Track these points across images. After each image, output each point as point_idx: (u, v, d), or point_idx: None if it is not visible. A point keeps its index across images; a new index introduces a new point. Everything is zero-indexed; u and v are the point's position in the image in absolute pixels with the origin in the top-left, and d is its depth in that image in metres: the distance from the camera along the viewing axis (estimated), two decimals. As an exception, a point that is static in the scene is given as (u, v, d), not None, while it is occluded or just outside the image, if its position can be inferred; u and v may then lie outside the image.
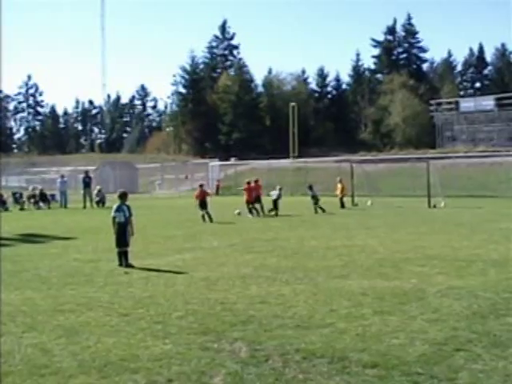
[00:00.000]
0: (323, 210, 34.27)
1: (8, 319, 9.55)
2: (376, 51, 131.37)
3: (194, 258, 16.34)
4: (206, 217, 29.03)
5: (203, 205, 29.73)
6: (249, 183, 33.94)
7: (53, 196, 45.66)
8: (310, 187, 36.17)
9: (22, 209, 39.43)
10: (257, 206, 33.23)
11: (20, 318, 9.60)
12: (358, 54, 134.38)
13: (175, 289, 11.89)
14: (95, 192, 45.00)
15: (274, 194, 34.09)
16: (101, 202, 43.79)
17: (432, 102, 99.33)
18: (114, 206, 15.88)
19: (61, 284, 12.54)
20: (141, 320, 9.35)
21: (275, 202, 33.52)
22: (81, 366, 7.18)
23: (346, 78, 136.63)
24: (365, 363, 7.15)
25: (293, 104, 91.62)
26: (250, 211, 32.57)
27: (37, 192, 43.52)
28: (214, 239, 20.80)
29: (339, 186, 39.55)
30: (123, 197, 15.89)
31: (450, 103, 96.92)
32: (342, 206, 38.59)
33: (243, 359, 7.38)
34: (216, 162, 75.73)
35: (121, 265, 15.05)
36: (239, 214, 32.68)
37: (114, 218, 15.55)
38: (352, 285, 11.94)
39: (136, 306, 10.31)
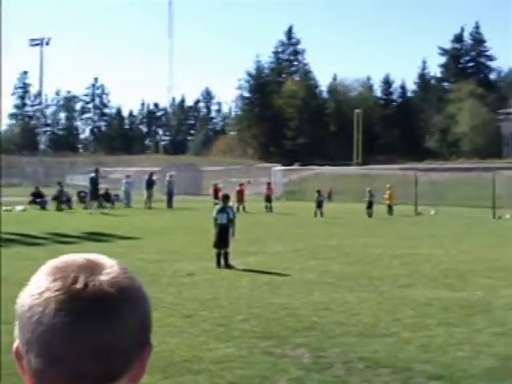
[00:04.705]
0: (322, 215, 36.27)
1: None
2: (443, 59, 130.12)
3: (257, 261, 16.34)
4: (269, 209, 40.39)
5: (268, 199, 41.69)
6: (241, 185, 42.25)
7: (117, 196, 45.95)
8: (319, 192, 38.36)
9: (86, 208, 39.81)
10: (267, 204, 41.26)
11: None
12: (424, 62, 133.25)
13: (239, 292, 11.91)
14: (167, 179, 45.42)
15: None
16: (170, 193, 44.00)
17: (500, 111, 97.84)
18: (216, 208, 16.27)
19: (125, 283, 12.63)
20: (204, 322, 9.38)
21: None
22: (144, 366, 7.21)
23: (411, 86, 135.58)
24: (429, 375, 7.06)
25: (358, 111, 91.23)
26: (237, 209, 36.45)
27: (102, 192, 43.93)
28: (278, 244, 20.78)
29: (388, 192, 39.61)
30: (226, 199, 16.46)
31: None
32: (390, 213, 38.88)
33: (306, 365, 7.35)
34: (279, 167, 75.59)
35: (218, 266, 15.19)
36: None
37: (216, 219, 15.78)
38: (417, 294, 11.81)
39: (199, 308, 10.35)
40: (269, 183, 44.57)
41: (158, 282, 12.89)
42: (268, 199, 41.51)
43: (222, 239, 15.50)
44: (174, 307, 10.42)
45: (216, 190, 43.27)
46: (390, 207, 39.01)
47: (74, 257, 1.26)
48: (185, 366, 7.25)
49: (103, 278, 1.19)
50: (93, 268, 1.21)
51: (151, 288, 12.07)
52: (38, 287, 1.18)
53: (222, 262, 15.26)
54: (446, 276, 14.20)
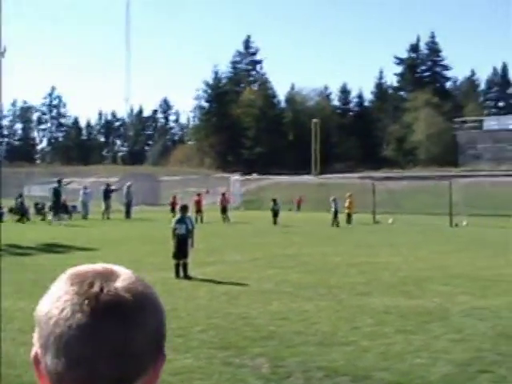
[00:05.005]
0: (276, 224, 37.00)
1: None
2: (399, 69, 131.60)
3: (215, 271, 16.28)
4: (226, 220, 40.05)
5: (224, 210, 41.14)
6: (199, 195, 42.67)
7: (74, 207, 45.60)
8: (274, 201, 38.77)
9: (43, 219, 39.46)
10: (224, 215, 40.99)
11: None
12: (381, 72, 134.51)
13: (197, 302, 11.85)
14: (124, 189, 45.16)
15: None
16: (128, 203, 43.86)
17: (456, 120, 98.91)
18: (175, 218, 16.40)
19: (82, 295, 12.50)
20: (162, 333, 9.28)
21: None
22: (102, 378, 7.13)
23: (368, 96, 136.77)
24: (387, 382, 7.08)
25: (315, 120, 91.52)
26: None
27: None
28: (236, 253, 20.73)
29: (348, 200, 39.66)
30: (184, 210, 16.37)
31: (473, 122, 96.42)
32: (349, 221, 38.79)
33: (265, 375, 7.32)
34: (237, 177, 75.61)
35: (177, 277, 15.04)
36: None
37: (175, 229, 15.72)
38: (375, 302, 11.85)
39: (157, 319, 10.25)
40: (223, 194, 44.62)
41: (116, 293, 12.77)
42: (224, 210, 41.39)
43: (181, 250, 15.43)
44: (131, 318, 10.30)
45: (173, 203, 43.22)
46: (349, 216, 39.03)
47: (92, 265, 1.34)
48: (143, 377, 7.17)
49: (118, 284, 1.23)
50: (108, 275, 1.26)
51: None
52: (56, 292, 1.23)
53: (181, 272, 15.17)
54: (404, 284, 14.28)
